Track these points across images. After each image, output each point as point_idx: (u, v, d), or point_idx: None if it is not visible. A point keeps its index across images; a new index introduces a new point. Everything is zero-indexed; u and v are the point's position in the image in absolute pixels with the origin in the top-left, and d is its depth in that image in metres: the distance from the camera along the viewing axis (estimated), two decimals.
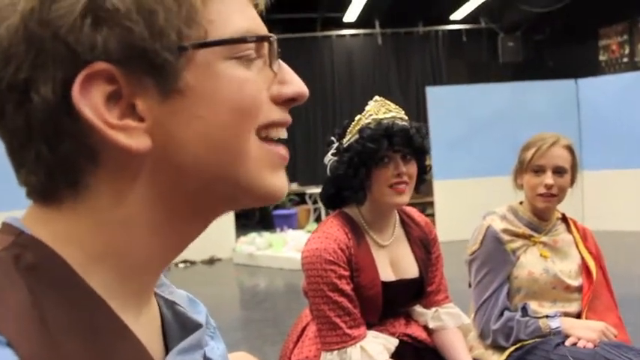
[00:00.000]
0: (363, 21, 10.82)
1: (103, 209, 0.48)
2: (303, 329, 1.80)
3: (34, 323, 0.42)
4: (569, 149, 1.97)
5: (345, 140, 1.69)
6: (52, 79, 0.44)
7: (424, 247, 1.81)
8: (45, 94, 0.44)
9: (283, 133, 0.54)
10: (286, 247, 7.13)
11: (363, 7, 9.79)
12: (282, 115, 0.53)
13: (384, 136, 1.60)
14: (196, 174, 0.49)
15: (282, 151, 0.54)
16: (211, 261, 7.29)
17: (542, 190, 1.92)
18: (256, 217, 10.68)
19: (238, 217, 8.48)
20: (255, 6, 0.54)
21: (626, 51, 9.41)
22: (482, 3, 9.83)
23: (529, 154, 1.96)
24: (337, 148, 1.71)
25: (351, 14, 10.28)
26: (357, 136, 1.64)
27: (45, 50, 0.43)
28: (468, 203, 7.45)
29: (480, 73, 11.12)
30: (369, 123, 1.63)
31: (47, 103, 0.44)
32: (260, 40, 0.51)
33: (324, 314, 1.58)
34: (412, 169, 1.67)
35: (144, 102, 0.46)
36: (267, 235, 7.66)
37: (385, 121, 1.62)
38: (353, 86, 11.49)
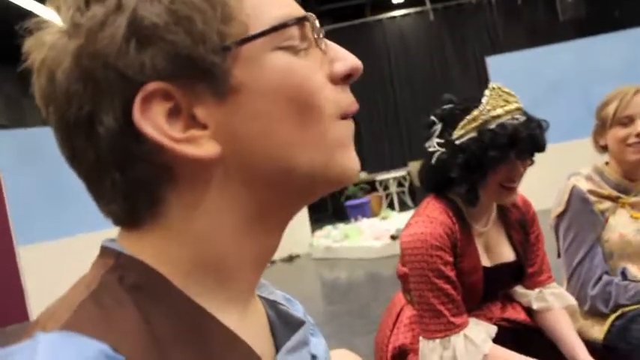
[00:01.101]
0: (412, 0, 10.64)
1: (184, 222, 0.49)
2: (398, 315, 1.76)
3: (146, 339, 0.44)
4: None
5: (456, 133, 1.55)
6: (111, 107, 0.45)
7: (522, 228, 1.73)
8: (108, 124, 0.45)
9: (355, 106, 0.54)
10: (362, 237, 7.13)
11: None
12: (345, 95, 0.53)
13: (508, 143, 1.47)
14: (269, 169, 0.49)
15: (348, 129, 0.53)
16: (290, 258, 7.37)
17: (633, 139, 1.80)
18: (329, 209, 10.73)
19: (312, 212, 8.54)
20: None
21: None
22: None
23: (612, 107, 1.85)
24: (446, 139, 1.57)
25: None
26: (474, 134, 1.50)
27: (99, 81, 0.45)
28: (541, 170, 7.20)
29: (541, 36, 10.69)
30: (489, 122, 1.49)
31: (112, 131, 0.45)
32: (299, 21, 0.50)
33: (427, 301, 1.53)
34: (527, 165, 1.58)
35: (202, 109, 0.47)
36: (342, 227, 7.68)
37: (509, 125, 1.48)
38: (410, 67, 11.33)
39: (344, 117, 0.52)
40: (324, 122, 0.50)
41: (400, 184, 9.95)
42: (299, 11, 0.51)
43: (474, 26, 11.46)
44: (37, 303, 5.22)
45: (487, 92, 1.54)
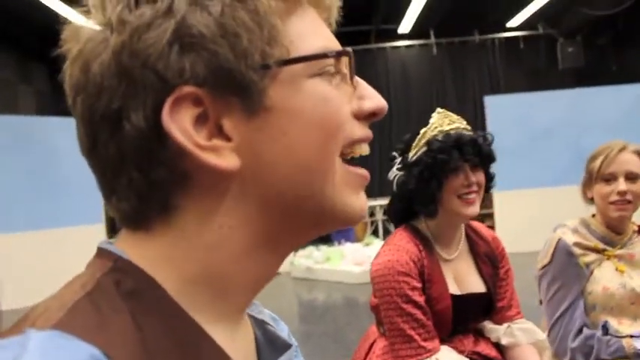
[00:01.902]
0: (417, 32, 10.76)
1: (194, 231, 0.49)
2: (370, 346, 1.78)
3: (137, 348, 0.43)
4: (639, 154, 1.88)
5: (411, 154, 1.70)
6: (142, 106, 0.46)
7: (491, 262, 1.77)
8: (136, 122, 0.46)
9: (366, 149, 0.55)
10: (344, 261, 7.11)
11: (417, 18, 9.73)
12: (364, 130, 0.54)
13: (453, 146, 1.61)
14: (284, 191, 0.50)
15: (364, 172, 0.55)
16: None
17: (615, 197, 1.84)
18: None
19: None
20: (329, 25, 0.55)
21: None
22: (540, 8, 9.60)
23: (597, 163, 1.88)
24: (403, 163, 1.72)
25: (405, 25, 10.23)
26: (425, 148, 1.65)
27: (135, 80, 0.45)
28: (530, 214, 7.26)
29: (539, 81, 10.85)
30: (436, 135, 1.65)
31: (139, 130, 0.46)
32: (340, 55, 0.52)
33: (397, 327, 1.56)
34: (481, 177, 1.67)
35: (230, 121, 0.48)
36: (324, 249, 7.67)
37: (453, 132, 1.64)
38: (409, 98, 11.42)
39: (349, 147, 0.53)
40: (336, 155, 0.52)
41: (386, 213, 9.93)
42: (338, 46, 0.53)
43: (475, 64, 11.59)
44: (7, 292, 5.14)
45: (434, 115, 1.71)
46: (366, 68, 11.24)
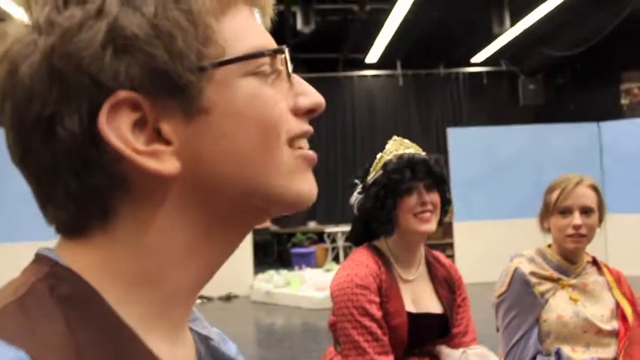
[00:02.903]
0: (384, 62, 10.94)
1: (133, 235, 0.48)
2: None
3: (70, 354, 0.42)
4: (594, 188, 1.94)
5: (369, 178, 1.78)
6: (77, 111, 0.44)
7: (448, 286, 1.82)
8: (71, 128, 0.44)
9: (305, 144, 0.55)
10: (304, 286, 7.07)
11: (385, 49, 9.91)
12: (302, 126, 0.54)
13: (406, 167, 1.70)
14: (227, 191, 0.50)
15: (309, 153, 0.55)
16: (228, 298, 7.24)
17: (570, 231, 1.89)
18: (274, 254, 10.65)
19: (256, 254, 8.46)
20: (265, 19, 0.56)
21: None
22: (503, 46, 9.90)
23: (554, 195, 1.94)
24: (362, 186, 1.80)
25: (373, 55, 10.41)
26: (381, 171, 1.74)
27: (68, 84, 0.44)
28: (489, 245, 7.38)
29: (501, 115, 11.13)
30: (391, 158, 1.74)
31: (73, 136, 0.44)
32: (275, 53, 0.52)
33: (352, 339, 1.58)
34: (435, 198, 1.73)
35: (169, 125, 0.47)
36: (284, 273, 7.62)
37: (406, 155, 1.73)
38: (374, 126, 11.56)
39: (290, 142, 0.53)
40: (280, 149, 0.52)
41: (347, 238, 9.95)
42: (274, 44, 0.54)
43: (440, 97, 11.84)
44: None
45: (390, 141, 1.83)
46: (333, 95, 11.35)
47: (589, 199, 1.92)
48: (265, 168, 0.50)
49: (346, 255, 10.09)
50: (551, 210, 1.94)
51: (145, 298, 0.48)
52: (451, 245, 8.04)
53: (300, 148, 0.54)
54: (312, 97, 0.54)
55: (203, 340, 0.59)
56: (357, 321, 1.58)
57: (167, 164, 0.46)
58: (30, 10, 0.46)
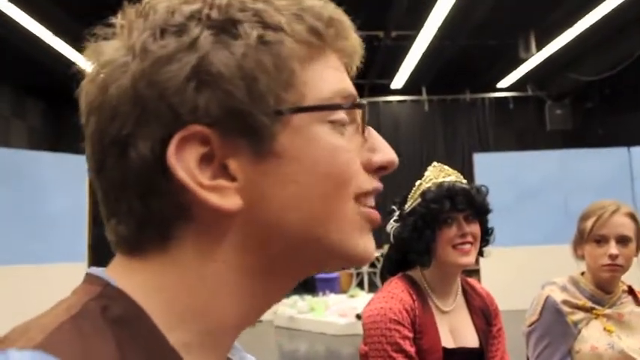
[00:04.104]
0: (409, 88, 10.96)
1: (189, 265, 0.48)
2: None
3: None
4: (632, 217, 1.87)
5: (407, 206, 1.73)
6: (151, 137, 0.46)
7: (485, 317, 1.76)
8: (143, 151, 0.46)
9: (371, 202, 0.54)
10: (328, 312, 7.02)
11: (410, 74, 9.93)
12: (373, 183, 0.53)
13: (446, 196, 1.64)
14: (285, 236, 0.49)
15: (374, 215, 0.54)
16: None
17: (606, 260, 1.82)
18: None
19: None
20: (349, 71, 0.55)
21: None
22: (529, 71, 9.85)
23: (589, 223, 1.87)
24: (400, 215, 1.74)
25: (399, 81, 10.44)
26: (419, 199, 1.68)
27: (149, 110, 0.46)
28: (516, 272, 7.25)
29: (528, 141, 11.03)
30: (430, 187, 1.69)
31: (144, 160, 0.46)
32: (354, 107, 0.52)
33: None
34: (475, 228, 1.68)
35: (236, 162, 0.47)
36: (308, 299, 7.57)
37: (446, 183, 1.67)
38: (399, 152, 11.31)
39: (357, 198, 0.53)
40: (347, 203, 0.51)
41: (373, 265, 9.92)
42: (353, 91, 0.53)
43: (465, 122, 11.78)
44: None
45: (430, 168, 1.77)
46: None
47: (626, 227, 1.85)
48: (328, 219, 0.50)
49: (370, 281, 10.03)
50: (586, 238, 1.88)
51: (193, 327, 0.48)
52: (477, 272, 7.91)
53: (366, 205, 0.53)
54: (386, 154, 0.54)
55: None
56: (391, 357, 1.55)
57: (228, 200, 0.47)
58: (130, 33, 0.48)
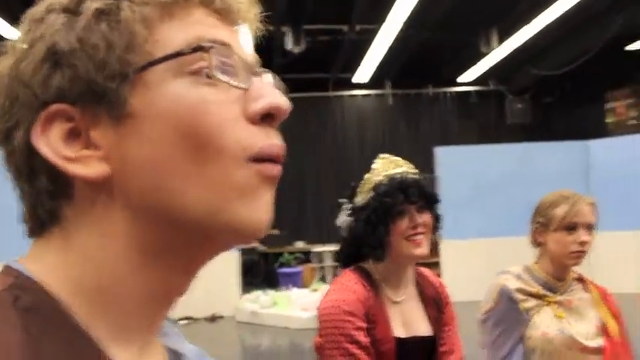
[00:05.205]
0: (374, 82, 11.01)
1: (84, 243, 0.48)
2: None
3: None
4: (594, 206, 1.95)
5: (358, 200, 1.73)
6: (23, 124, 0.48)
7: (437, 306, 1.79)
8: (19, 139, 0.48)
9: (271, 169, 0.49)
10: (291, 306, 7.01)
11: (375, 69, 9.97)
12: (264, 138, 0.49)
13: (398, 189, 1.65)
14: (155, 200, 0.47)
15: (269, 170, 0.49)
16: (213, 318, 7.15)
17: (576, 247, 1.88)
18: (262, 274, 10.58)
19: (244, 274, 8.39)
20: (220, 13, 0.51)
21: (633, 113, 9.57)
22: (492, 66, 9.98)
23: (559, 211, 1.91)
24: (352, 209, 1.74)
25: (363, 75, 10.46)
26: (372, 193, 1.69)
27: (19, 99, 0.48)
28: (477, 263, 7.35)
29: (489, 135, 11.19)
30: (382, 180, 1.69)
31: (21, 146, 0.48)
32: (196, 50, 0.47)
33: None
34: (427, 218, 1.69)
35: (99, 131, 0.48)
36: (271, 293, 7.56)
37: (398, 176, 1.68)
38: (363, 145, 11.58)
39: (257, 160, 0.48)
40: (225, 163, 0.47)
41: (335, 258, 9.92)
42: (217, 38, 0.49)
43: (428, 116, 11.90)
44: None
45: (377, 160, 1.77)
46: (323, 115, 11.38)
47: (592, 216, 1.92)
48: (198, 184, 0.47)
49: (334, 275, 10.06)
50: (556, 226, 1.91)
51: (100, 307, 0.48)
52: (436, 264, 7.99)
53: (260, 162, 0.48)
54: (266, 99, 0.49)
55: (174, 356, 0.57)
56: (345, 348, 1.56)
57: (92, 168, 0.47)
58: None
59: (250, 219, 0.49)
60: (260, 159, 0.48)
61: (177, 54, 0.47)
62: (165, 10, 0.48)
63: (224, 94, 0.48)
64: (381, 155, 1.80)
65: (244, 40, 0.54)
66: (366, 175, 1.75)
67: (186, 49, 0.47)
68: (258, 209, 0.49)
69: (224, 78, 0.48)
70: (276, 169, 0.49)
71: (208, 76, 0.47)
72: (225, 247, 0.51)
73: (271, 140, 0.49)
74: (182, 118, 0.47)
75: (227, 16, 0.52)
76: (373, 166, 1.76)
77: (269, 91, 0.50)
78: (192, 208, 0.47)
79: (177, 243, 0.49)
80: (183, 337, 0.61)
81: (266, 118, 0.49)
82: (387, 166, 1.73)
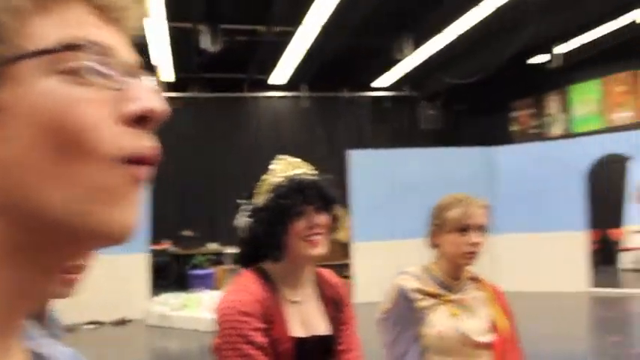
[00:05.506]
0: (290, 84, 11.03)
1: None
2: None
3: None
4: (487, 208, 2.02)
5: (257, 200, 1.73)
6: None
7: (336, 306, 1.81)
8: None
9: (140, 172, 0.48)
10: (201, 308, 6.88)
11: (293, 72, 9.98)
12: (135, 141, 0.47)
13: (297, 190, 1.66)
14: (15, 198, 0.45)
15: (136, 172, 0.47)
16: (122, 322, 6.90)
17: (468, 248, 1.95)
18: (173, 276, 10.34)
19: (154, 276, 8.15)
20: (101, 10, 0.49)
21: (534, 122, 10.18)
22: (407, 73, 10.26)
23: (454, 214, 1.98)
24: (251, 209, 1.73)
25: (279, 77, 10.45)
26: (271, 195, 1.69)
27: None
28: (388, 265, 7.51)
29: (403, 139, 11.50)
30: (281, 181, 1.70)
31: None
32: (70, 48, 0.46)
33: None
34: (325, 219, 1.70)
35: None
36: (182, 296, 7.40)
37: (297, 178, 1.69)
38: (279, 148, 11.50)
39: (127, 161, 0.47)
40: (93, 164, 0.45)
41: (235, 260, 9.84)
42: (91, 38, 0.47)
43: (343, 119, 12.06)
44: None
45: (276, 162, 1.78)
46: (238, 116, 11.28)
47: (484, 218, 1.99)
48: (60, 184, 0.45)
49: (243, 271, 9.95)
50: (450, 228, 1.98)
51: None
52: (347, 266, 8.10)
53: (130, 164, 0.47)
54: (141, 102, 0.47)
55: (37, 359, 0.54)
56: (240, 349, 1.55)
57: None
58: None
59: (120, 221, 0.47)
60: (130, 161, 0.47)
61: (49, 50, 0.46)
62: (40, 3, 0.46)
63: (96, 94, 0.46)
64: (280, 157, 1.81)
65: (125, 39, 0.52)
66: (264, 176, 1.75)
67: (59, 47, 0.46)
68: (128, 211, 0.48)
69: (97, 78, 0.46)
70: (145, 172, 0.48)
71: (81, 76, 0.46)
72: (89, 248, 0.50)
73: (142, 142, 0.48)
74: (49, 116, 0.45)
75: (109, 14, 0.50)
76: (271, 167, 1.77)
77: (145, 94, 0.48)
78: (55, 209, 0.45)
79: (44, 243, 0.47)
80: (54, 341, 0.58)
81: (140, 120, 0.48)
82: (286, 168, 1.75)
